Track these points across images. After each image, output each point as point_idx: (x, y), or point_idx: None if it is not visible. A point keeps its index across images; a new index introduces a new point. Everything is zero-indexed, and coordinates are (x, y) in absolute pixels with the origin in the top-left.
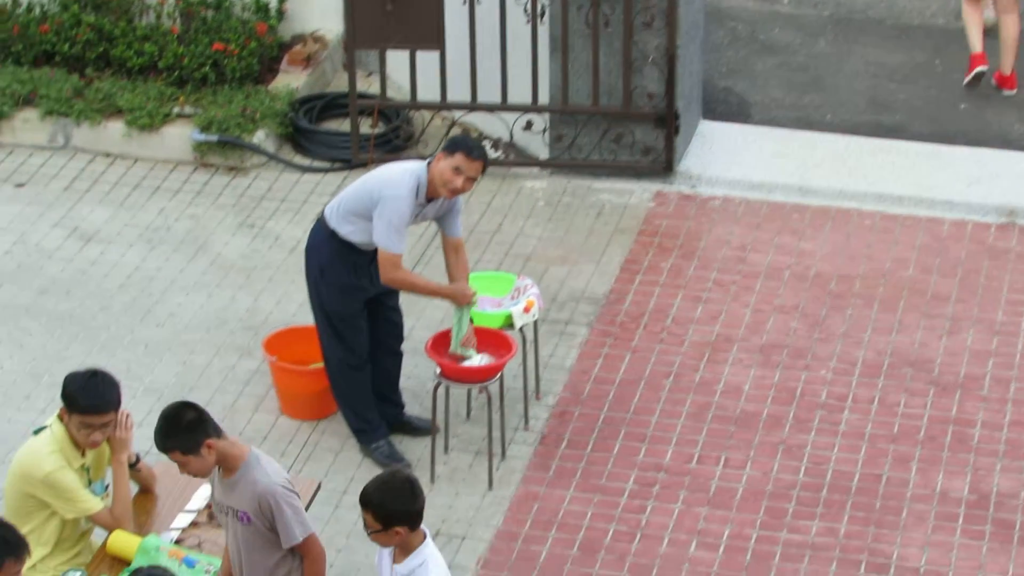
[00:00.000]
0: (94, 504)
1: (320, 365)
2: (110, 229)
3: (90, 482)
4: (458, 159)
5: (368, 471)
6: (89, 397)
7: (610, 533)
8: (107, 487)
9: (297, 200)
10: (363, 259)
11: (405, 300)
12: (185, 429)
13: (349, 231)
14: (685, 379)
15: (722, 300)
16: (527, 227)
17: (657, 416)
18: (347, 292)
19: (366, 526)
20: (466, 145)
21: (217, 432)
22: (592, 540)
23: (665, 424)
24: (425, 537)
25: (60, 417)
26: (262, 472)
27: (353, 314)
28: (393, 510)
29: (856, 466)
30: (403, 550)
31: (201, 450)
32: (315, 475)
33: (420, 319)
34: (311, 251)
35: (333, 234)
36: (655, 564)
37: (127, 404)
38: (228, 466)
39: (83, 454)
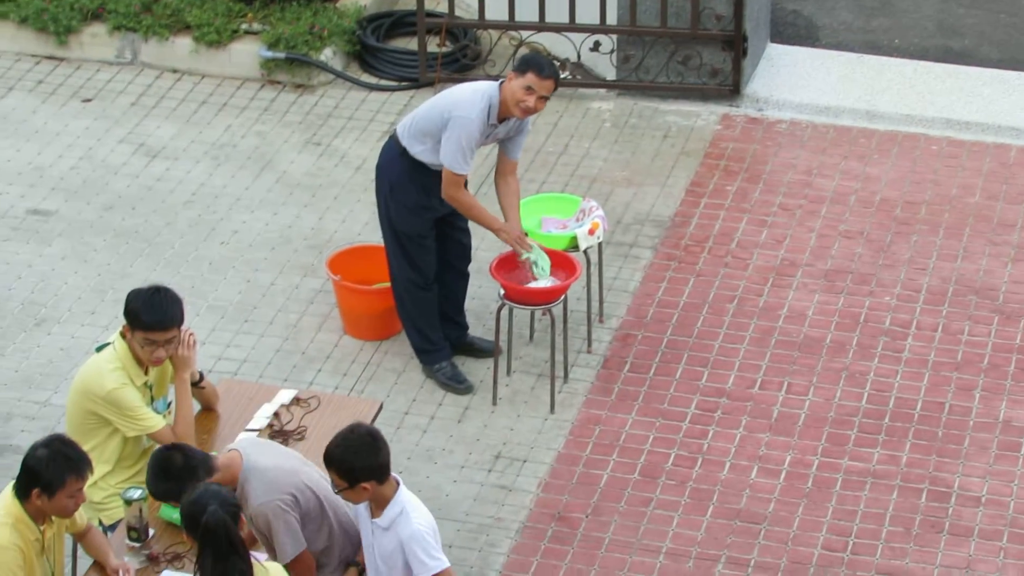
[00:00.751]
0: (156, 422)
1: (384, 285)
2: (176, 145)
3: (152, 400)
4: (529, 78)
5: (430, 392)
6: (152, 313)
7: (671, 458)
8: (169, 405)
9: (363, 119)
10: (433, 179)
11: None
12: (175, 477)
13: (420, 150)
14: (749, 304)
15: (787, 224)
16: (593, 149)
17: (720, 341)
18: (416, 211)
19: (333, 485)
20: (537, 63)
21: (208, 471)
22: (653, 465)
23: (728, 349)
24: (398, 485)
25: (123, 334)
26: (253, 492)
27: (422, 234)
28: (357, 466)
29: (919, 394)
30: (378, 504)
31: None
32: (377, 395)
33: (484, 240)
34: (382, 169)
35: (404, 152)
36: (716, 489)
37: (191, 322)
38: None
39: (146, 372)
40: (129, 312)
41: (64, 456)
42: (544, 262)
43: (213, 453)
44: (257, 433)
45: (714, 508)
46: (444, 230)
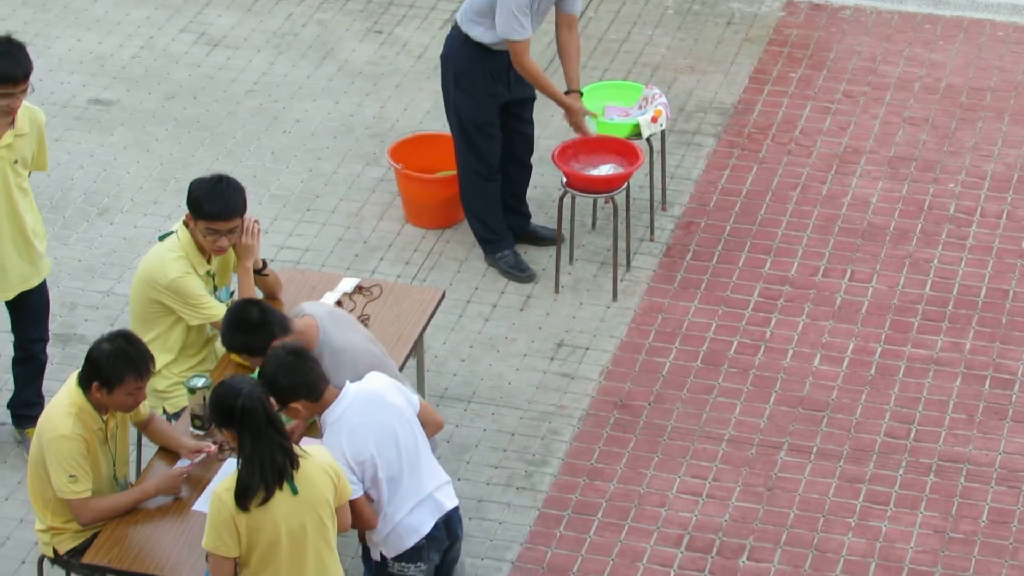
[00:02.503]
0: (219, 310)
1: (447, 173)
2: (237, 34)
3: (215, 288)
4: None
5: (492, 281)
6: (215, 203)
7: (734, 345)
8: (232, 293)
9: (425, 6)
10: (498, 63)
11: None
12: (250, 330)
13: (479, 32)
14: (812, 191)
15: (851, 111)
16: (656, 36)
17: (783, 228)
18: (482, 99)
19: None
20: None
21: (284, 329)
22: (716, 352)
23: (791, 236)
24: (338, 394)
25: (186, 223)
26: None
27: (487, 123)
28: (281, 384)
29: (983, 281)
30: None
31: (268, 352)
32: (439, 284)
33: (547, 128)
34: (446, 60)
35: (466, 39)
36: (778, 377)
37: (253, 211)
38: None
39: (208, 260)
40: (192, 202)
41: (126, 354)
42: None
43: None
44: (339, 296)
45: (777, 395)
46: (508, 121)
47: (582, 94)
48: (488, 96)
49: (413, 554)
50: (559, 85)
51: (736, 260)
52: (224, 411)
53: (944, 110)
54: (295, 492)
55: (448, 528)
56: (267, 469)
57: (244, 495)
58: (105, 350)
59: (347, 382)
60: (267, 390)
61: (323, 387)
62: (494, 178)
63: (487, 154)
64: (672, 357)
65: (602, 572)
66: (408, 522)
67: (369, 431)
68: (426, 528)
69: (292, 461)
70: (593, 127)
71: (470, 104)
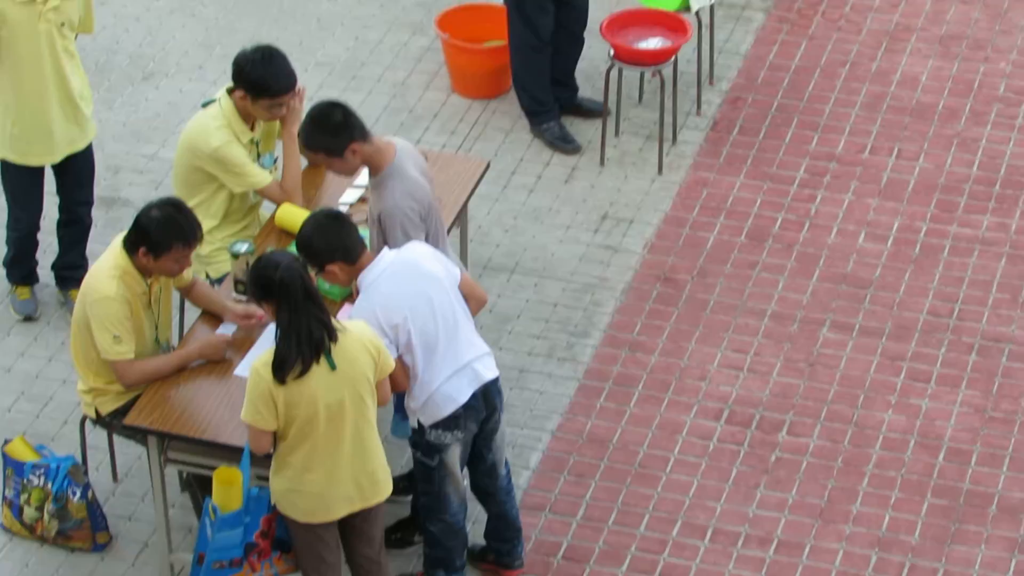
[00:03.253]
0: (263, 178)
1: (494, 43)
2: None
3: (259, 155)
4: None
5: (537, 152)
6: (279, 80)
7: (778, 221)
8: (276, 160)
9: None
10: None
11: None
12: (331, 131)
13: None
14: (861, 68)
15: None
16: None
17: (831, 105)
18: None
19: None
20: None
21: (363, 135)
22: (760, 228)
23: (839, 113)
24: (375, 258)
25: (229, 91)
26: (391, 190)
27: None
28: (316, 246)
29: None
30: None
31: (346, 154)
32: (484, 154)
33: (596, 0)
34: None
35: None
36: (823, 254)
37: (299, 78)
38: (373, 169)
39: (252, 128)
40: (253, 83)
41: (174, 221)
42: None
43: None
44: (363, 190)
45: (820, 272)
46: None
47: None
48: None
49: (450, 423)
50: None
51: (783, 136)
52: (263, 284)
53: None
54: (333, 367)
55: (486, 398)
56: (304, 342)
57: (281, 367)
58: (154, 216)
59: (385, 247)
60: (304, 253)
61: (360, 250)
62: (544, 50)
63: (539, 26)
64: (716, 232)
65: (641, 444)
66: (445, 390)
67: (404, 296)
68: (463, 397)
69: (331, 335)
70: None
71: None
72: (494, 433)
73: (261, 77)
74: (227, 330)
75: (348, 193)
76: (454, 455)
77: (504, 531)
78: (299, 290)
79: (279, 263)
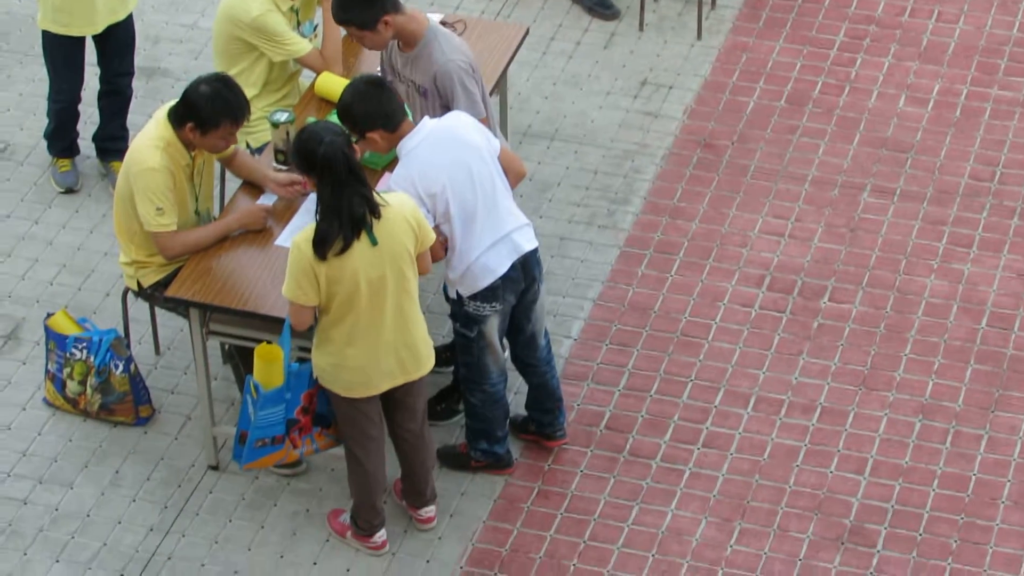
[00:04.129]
0: (303, 46)
1: None
2: None
3: (299, 23)
4: None
5: (576, 18)
6: None
7: (818, 85)
8: (316, 28)
9: None
10: None
11: None
12: (362, 3)
13: None
14: None
15: None
16: None
17: None
18: None
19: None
20: None
21: (396, 7)
22: (800, 92)
23: None
24: (415, 126)
25: None
26: (439, 49)
27: None
28: (356, 112)
29: None
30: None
31: (378, 26)
32: (524, 20)
33: None
34: None
35: None
36: (863, 117)
37: None
38: (407, 40)
39: None
40: None
41: (224, 99)
42: None
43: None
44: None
45: (861, 136)
46: None
47: None
48: None
49: (488, 294)
50: None
51: None
52: (305, 158)
53: None
54: (374, 243)
55: (525, 270)
56: (346, 219)
57: (322, 243)
58: (203, 92)
59: (426, 116)
60: (344, 120)
61: (400, 117)
62: None
63: None
64: (756, 96)
65: (683, 311)
66: (484, 261)
67: (443, 165)
68: (502, 268)
69: (373, 210)
70: None
71: None
72: (533, 304)
73: None
74: (268, 200)
75: None
76: (492, 326)
77: (545, 401)
78: (342, 166)
79: (322, 138)
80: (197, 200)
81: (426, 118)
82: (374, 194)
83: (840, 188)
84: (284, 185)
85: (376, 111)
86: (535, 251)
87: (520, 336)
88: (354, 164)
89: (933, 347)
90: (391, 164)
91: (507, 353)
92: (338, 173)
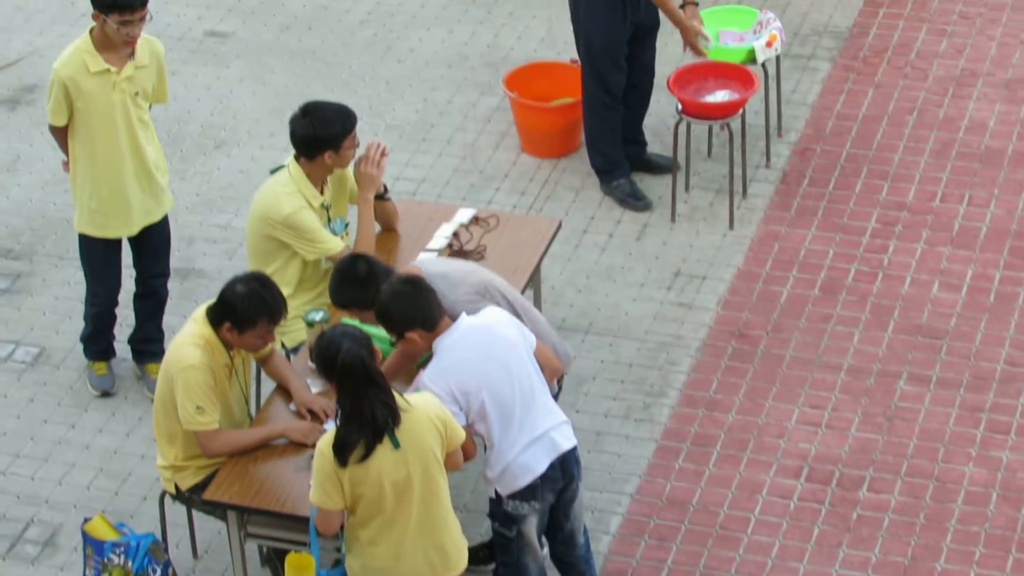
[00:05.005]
0: (335, 244)
1: (563, 101)
2: None
3: (330, 220)
4: None
5: (608, 210)
6: None
7: (851, 273)
8: (347, 225)
9: None
10: None
11: None
12: (358, 283)
13: None
14: (929, 115)
15: (967, 33)
16: None
17: (900, 153)
18: (612, 26)
19: (391, 343)
20: None
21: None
22: (833, 280)
23: (908, 161)
24: (452, 324)
25: (296, 157)
26: (440, 294)
27: (616, 51)
28: (395, 314)
29: None
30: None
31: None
32: (555, 214)
33: (661, 54)
34: None
35: None
36: (896, 304)
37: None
38: None
39: (322, 191)
40: None
41: (260, 298)
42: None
43: None
44: (437, 253)
45: (895, 323)
46: (631, 50)
47: (697, 4)
48: (619, 22)
49: (527, 493)
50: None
51: (853, 186)
52: (325, 364)
53: None
54: (397, 446)
55: (564, 468)
56: (366, 426)
57: (342, 451)
58: (240, 292)
59: (463, 313)
60: (382, 322)
61: (438, 315)
62: (616, 108)
63: (612, 84)
64: (789, 285)
65: (721, 504)
66: (522, 460)
67: (479, 363)
68: (541, 467)
69: (394, 417)
70: (708, 43)
71: (600, 32)
72: (572, 502)
73: None
74: (314, 387)
75: (421, 257)
76: (531, 525)
77: None
78: (360, 374)
79: (340, 345)
80: (236, 400)
81: (463, 315)
82: (396, 397)
83: (876, 376)
84: (304, 409)
85: (414, 312)
86: (574, 449)
87: (559, 534)
88: (373, 372)
89: (974, 536)
90: (425, 363)
91: (546, 550)
92: (357, 381)
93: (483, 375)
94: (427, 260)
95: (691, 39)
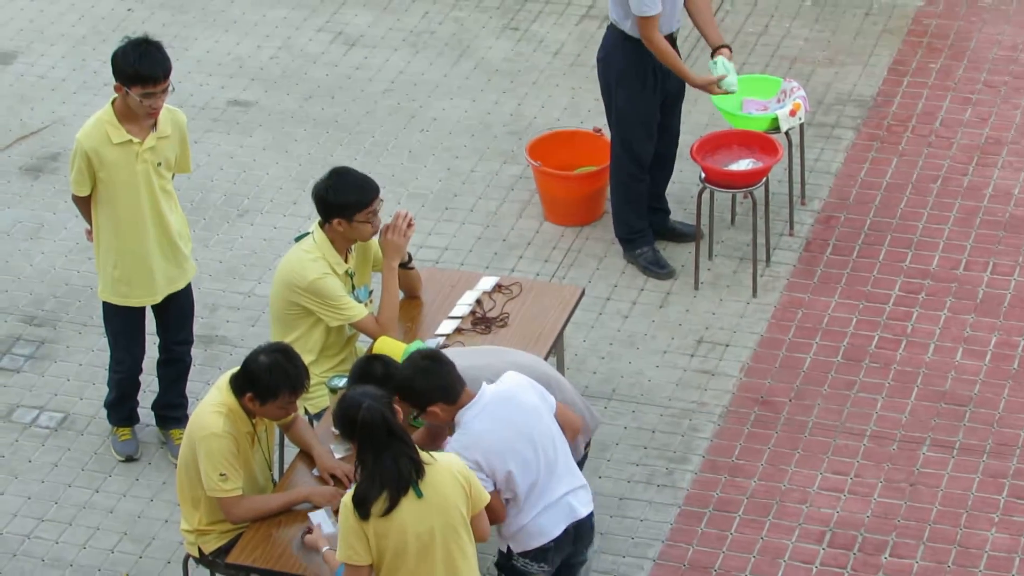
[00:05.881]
0: (358, 311)
1: (586, 170)
2: (374, 33)
3: (354, 288)
4: None
5: (632, 278)
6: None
7: (875, 340)
8: (370, 293)
9: (561, 2)
10: (656, 60)
11: None
12: (375, 384)
13: (630, 26)
14: (953, 183)
15: (992, 102)
16: (794, 28)
17: (924, 221)
18: (644, 95)
19: (411, 418)
20: None
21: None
22: (857, 347)
23: (932, 230)
24: (474, 395)
25: (321, 224)
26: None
27: (648, 120)
28: (417, 389)
29: None
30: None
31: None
32: (578, 282)
33: (684, 123)
34: (606, 60)
35: (623, 35)
36: (920, 372)
37: (393, 210)
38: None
39: (346, 259)
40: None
41: (283, 370)
42: (732, 75)
43: (418, 342)
44: (459, 321)
45: (918, 390)
46: (660, 119)
47: (730, 48)
48: (651, 91)
49: (538, 554)
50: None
51: (876, 254)
52: (346, 424)
53: None
54: (420, 495)
55: (578, 533)
56: (388, 479)
57: (362, 504)
58: (263, 363)
59: (483, 383)
60: (404, 397)
61: (460, 389)
62: (643, 179)
63: (642, 154)
64: (813, 352)
65: (744, 569)
66: (539, 522)
67: (504, 434)
68: (555, 532)
69: (418, 469)
70: (731, 83)
71: (632, 102)
72: (580, 565)
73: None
74: (337, 452)
75: (444, 324)
76: None
77: None
78: (381, 431)
79: (360, 403)
80: (259, 466)
81: (484, 385)
82: (420, 452)
83: (899, 443)
84: (327, 474)
85: (436, 386)
86: (590, 515)
87: None
88: (395, 426)
89: None
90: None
91: None
92: (378, 438)
93: (508, 444)
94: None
95: (712, 90)
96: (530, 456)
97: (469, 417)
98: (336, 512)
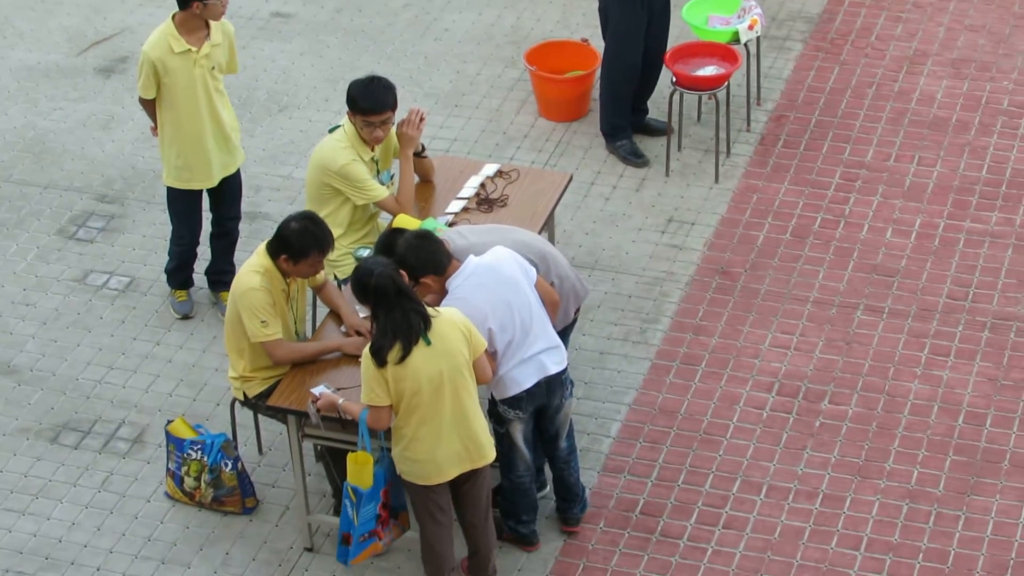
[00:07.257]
0: (381, 192)
1: (575, 74)
2: None
3: (378, 172)
4: None
5: (612, 166)
6: (367, 99)
7: (818, 221)
8: (392, 177)
9: None
10: None
11: None
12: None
13: None
14: (886, 88)
15: (919, 20)
16: None
17: (861, 120)
18: (632, 12)
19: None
20: None
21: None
22: (802, 227)
23: (867, 127)
24: (460, 266)
25: (350, 118)
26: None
27: (636, 28)
28: (410, 262)
29: None
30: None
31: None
32: (567, 169)
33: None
34: None
35: None
36: (856, 248)
37: (409, 107)
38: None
39: (371, 148)
40: (350, 99)
41: (311, 233)
42: None
43: (431, 219)
44: (466, 201)
45: (854, 263)
46: (648, 28)
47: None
48: (639, 8)
49: (513, 402)
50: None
51: (820, 147)
52: (361, 289)
53: (1000, 18)
54: (428, 343)
55: (549, 388)
56: (400, 331)
57: (378, 354)
58: (294, 228)
59: (470, 256)
60: (400, 268)
61: (447, 262)
62: (632, 82)
63: (632, 62)
64: (765, 231)
65: (705, 413)
66: (513, 375)
67: (485, 301)
68: (527, 384)
69: (426, 321)
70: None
71: (625, 18)
72: (557, 413)
73: (354, 95)
74: (362, 312)
75: (453, 204)
76: (517, 429)
77: (563, 492)
78: (391, 292)
79: (372, 270)
80: (295, 321)
81: (470, 256)
82: (426, 308)
83: (837, 307)
84: (353, 330)
85: (426, 259)
86: (560, 373)
87: (544, 435)
88: (403, 287)
89: (917, 442)
90: None
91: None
92: (388, 298)
93: (489, 311)
94: (453, 235)
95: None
96: (507, 318)
97: (456, 285)
98: (330, 391)
